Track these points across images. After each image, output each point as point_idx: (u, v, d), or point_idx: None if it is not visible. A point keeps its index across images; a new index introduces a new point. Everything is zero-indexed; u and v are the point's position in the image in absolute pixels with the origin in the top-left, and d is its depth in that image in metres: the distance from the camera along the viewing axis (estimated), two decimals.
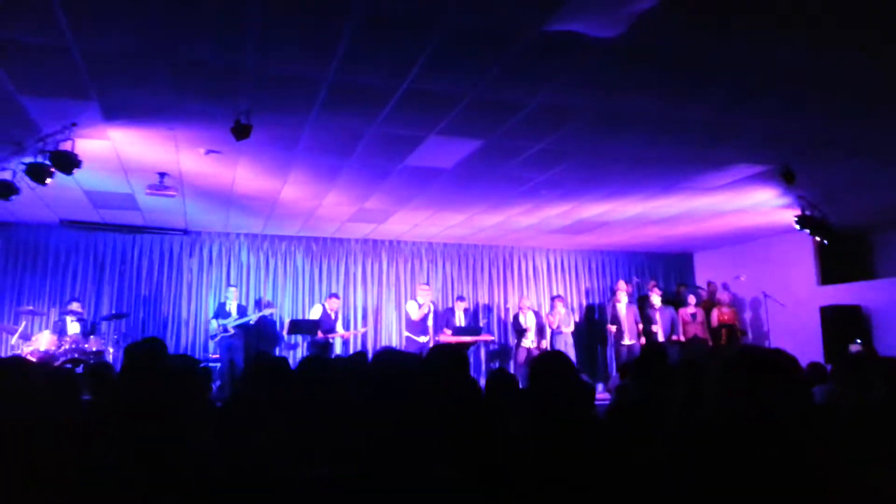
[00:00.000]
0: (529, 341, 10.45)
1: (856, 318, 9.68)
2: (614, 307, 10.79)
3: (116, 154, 6.31)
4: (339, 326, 9.98)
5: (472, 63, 4.33)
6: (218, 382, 9.10)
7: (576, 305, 12.39)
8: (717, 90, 4.80)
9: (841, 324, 9.63)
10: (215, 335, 9.53)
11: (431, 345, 9.86)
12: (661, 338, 10.40)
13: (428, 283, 10.80)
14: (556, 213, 9.18)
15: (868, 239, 10.68)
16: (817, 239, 8.71)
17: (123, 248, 10.23)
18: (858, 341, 9.20)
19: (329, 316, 9.81)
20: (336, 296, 10.19)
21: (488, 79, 4.57)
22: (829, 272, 10.51)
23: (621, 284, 10.94)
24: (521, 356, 10.41)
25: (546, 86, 4.71)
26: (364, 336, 11.02)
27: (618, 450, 2.46)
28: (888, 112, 5.28)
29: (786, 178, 6.80)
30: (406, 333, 10.27)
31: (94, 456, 1.89)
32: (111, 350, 8.92)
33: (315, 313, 9.88)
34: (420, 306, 10.09)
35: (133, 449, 1.77)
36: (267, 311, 10.03)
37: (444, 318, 10.26)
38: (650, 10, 3.60)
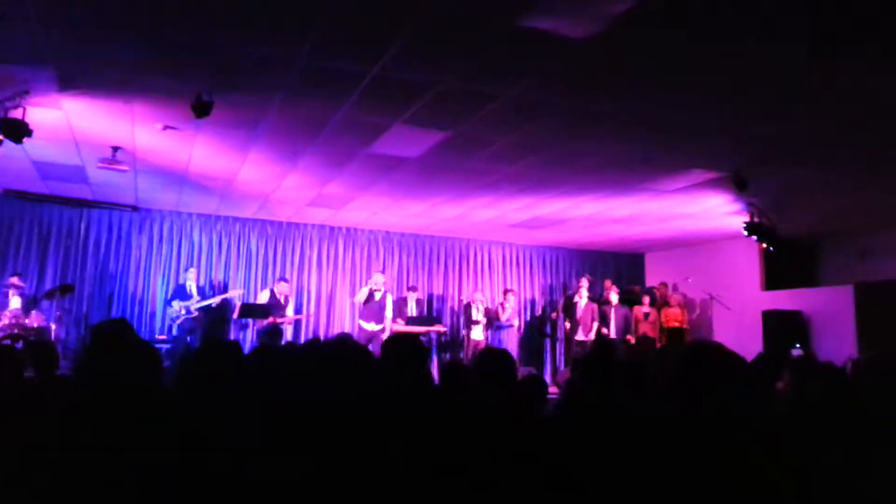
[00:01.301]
0: (479, 333, 10.53)
1: (796, 323, 10.05)
2: (573, 302, 10.91)
3: (69, 125, 6.10)
4: (288, 310, 9.86)
5: (445, 52, 4.33)
6: (167, 363, 8.92)
7: (528, 300, 12.54)
8: (684, 93, 4.90)
9: (781, 328, 9.99)
10: (177, 317, 9.33)
11: (385, 335, 9.73)
12: (613, 335, 10.61)
13: (383, 271, 10.70)
14: (516, 208, 9.26)
15: (813, 248, 11.08)
16: (764, 245, 9.01)
17: (70, 222, 9.90)
18: (798, 346, 9.55)
19: (278, 300, 9.68)
20: (285, 279, 10.06)
21: (460, 70, 4.57)
22: (774, 278, 10.87)
23: (583, 282, 11.06)
24: (471, 348, 10.47)
25: (517, 81, 4.74)
26: (317, 323, 10.95)
27: (567, 445, 2.50)
28: (841, 123, 5.47)
29: (738, 185, 7.01)
30: (358, 321, 10.17)
31: (45, 435, 1.84)
32: (53, 326, 8.65)
33: (263, 298, 9.74)
34: (373, 290, 9.85)
35: (92, 429, 1.73)
36: (234, 293, 9.88)
37: (396, 307, 10.23)
38: (627, 11, 3.65)
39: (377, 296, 9.93)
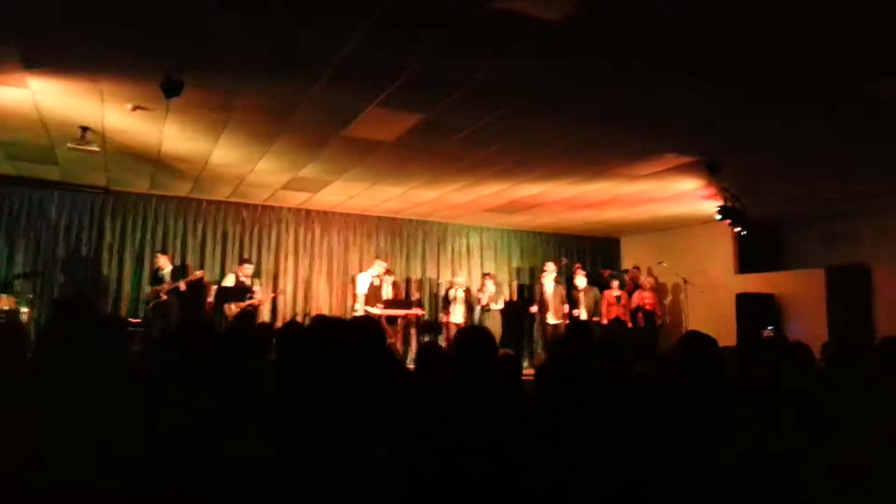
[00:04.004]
0: (458, 317, 10.56)
1: (769, 306, 10.22)
2: (541, 286, 11.02)
3: (35, 104, 5.98)
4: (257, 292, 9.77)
5: (415, 35, 4.29)
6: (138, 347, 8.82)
7: (506, 284, 12.57)
8: (655, 78, 4.92)
9: (755, 310, 10.14)
10: (149, 302, 9.24)
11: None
12: (584, 318, 10.71)
13: (380, 257, 10.74)
14: (491, 192, 9.26)
15: (782, 232, 11.24)
16: (736, 229, 9.11)
17: (41, 204, 9.71)
18: (770, 327, 9.72)
19: (243, 283, 9.58)
20: (248, 261, 9.90)
21: (431, 52, 4.54)
22: (746, 261, 11.01)
23: (548, 265, 11.16)
24: (451, 332, 10.49)
25: (488, 64, 4.72)
26: (295, 306, 10.90)
27: (542, 420, 2.54)
28: (803, 107, 5.53)
29: (711, 169, 7.09)
30: (364, 307, 10.06)
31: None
32: (24, 309, 8.51)
33: (228, 282, 9.62)
34: (374, 278, 10.14)
35: (51, 405, 1.71)
36: (197, 275, 9.69)
37: (371, 290, 10.20)
38: None
39: (376, 282, 10.14)
